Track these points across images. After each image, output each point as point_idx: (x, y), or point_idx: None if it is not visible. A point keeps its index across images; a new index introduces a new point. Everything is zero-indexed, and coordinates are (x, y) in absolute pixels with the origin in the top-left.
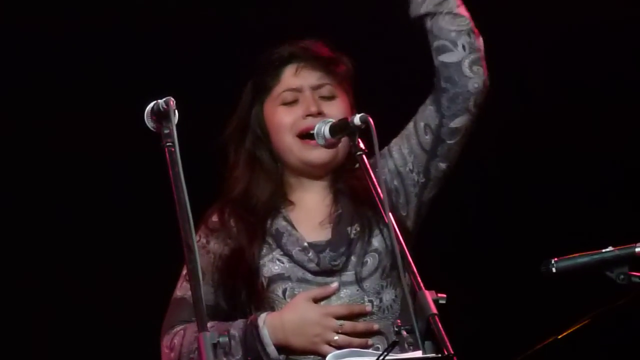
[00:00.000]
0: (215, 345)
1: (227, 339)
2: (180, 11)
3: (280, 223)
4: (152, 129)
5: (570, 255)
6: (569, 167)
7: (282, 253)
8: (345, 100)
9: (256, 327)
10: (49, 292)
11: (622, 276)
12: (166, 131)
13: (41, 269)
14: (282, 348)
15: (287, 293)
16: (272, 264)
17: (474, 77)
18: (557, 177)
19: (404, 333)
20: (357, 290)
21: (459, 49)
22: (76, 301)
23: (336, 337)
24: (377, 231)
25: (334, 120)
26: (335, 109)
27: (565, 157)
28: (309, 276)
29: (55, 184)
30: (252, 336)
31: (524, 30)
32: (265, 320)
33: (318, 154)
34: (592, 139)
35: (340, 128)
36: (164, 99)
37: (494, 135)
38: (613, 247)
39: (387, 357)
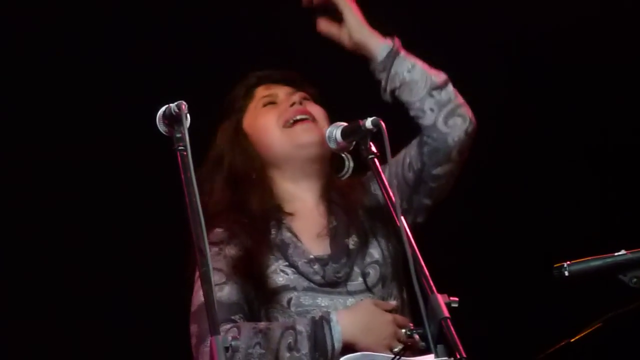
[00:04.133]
0: (227, 349)
1: (238, 343)
2: (193, 14)
3: (285, 234)
4: (164, 133)
5: (584, 259)
6: (583, 170)
7: (286, 264)
8: (320, 108)
9: (329, 322)
10: (59, 298)
11: (635, 279)
12: (178, 135)
13: (51, 275)
14: (346, 346)
15: (292, 302)
16: (276, 276)
17: (452, 131)
18: (570, 180)
19: (416, 336)
20: (362, 299)
21: (428, 113)
22: (87, 307)
23: (397, 348)
24: (374, 242)
25: (345, 124)
26: (315, 108)
27: (580, 160)
28: (314, 285)
29: (66, 188)
30: (322, 331)
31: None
32: (337, 318)
33: (306, 133)
34: (605, 142)
35: (352, 131)
36: (176, 103)
37: (506, 136)
38: (626, 250)
39: None
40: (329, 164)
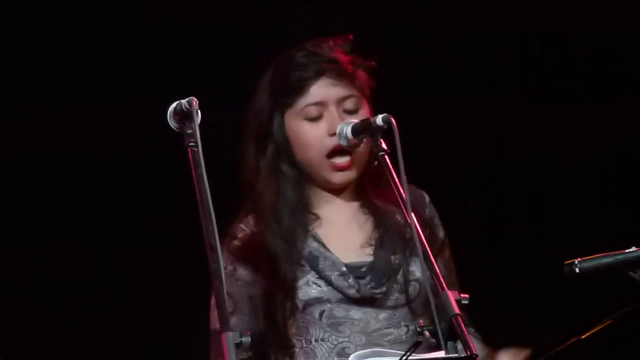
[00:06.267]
0: (238, 345)
1: (249, 339)
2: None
3: (312, 245)
4: (174, 129)
5: (594, 256)
6: (594, 167)
7: (317, 277)
8: (367, 110)
9: None
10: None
11: None
12: (189, 131)
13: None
14: None
15: (325, 314)
16: (308, 288)
17: None
18: (581, 176)
19: (427, 333)
20: (395, 314)
21: None
22: (100, 302)
23: None
24: (416, 259)
25: (356, 121)
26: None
27: (591, 157)
28: (348, 299)
29: (75, 187)
30: None
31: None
32: None
33: (342, 176)
34: (615, 138)
35: (363, 129)
36: (187, 99)
37: (515, 133)
38: (636, 247)
39: (409, 358)
40: (362, 174)
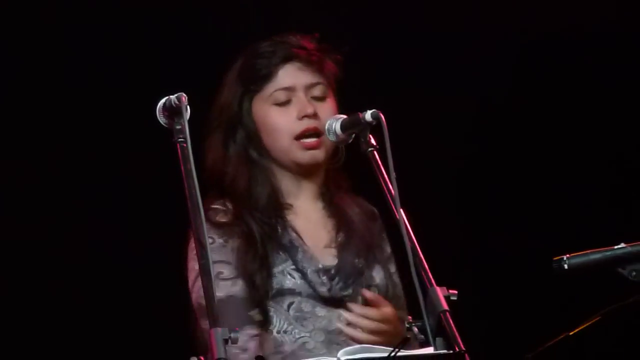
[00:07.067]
0: (226, 341)
1: (238, 335)
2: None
3: (292, 234)
4: (164, 124)
5: (583, 252)
6: (582, 163)
7: (293, 267)
8: (334, 99)
9: None
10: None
11: (634, 273)
12: (178, 127)
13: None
14: None
15: (293, 306)
16: (283, 277)
17: None
18: (569, 173)
19: (415, 329)
20: None
21: None
22: (85, 301)
23: None
24: (377, 266)
25: (345, 117)
26: (327, 110)
27: (580, 153)
28: (317, 295)
29: (66, 185)
30: None
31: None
32: None
33: (311, 156)
34: (604, 135)
35: (352, 124)
36: (176, 95)
37: (504, 130)
38: (625, 243)
39: (398, 354)
40: (327, 161)
